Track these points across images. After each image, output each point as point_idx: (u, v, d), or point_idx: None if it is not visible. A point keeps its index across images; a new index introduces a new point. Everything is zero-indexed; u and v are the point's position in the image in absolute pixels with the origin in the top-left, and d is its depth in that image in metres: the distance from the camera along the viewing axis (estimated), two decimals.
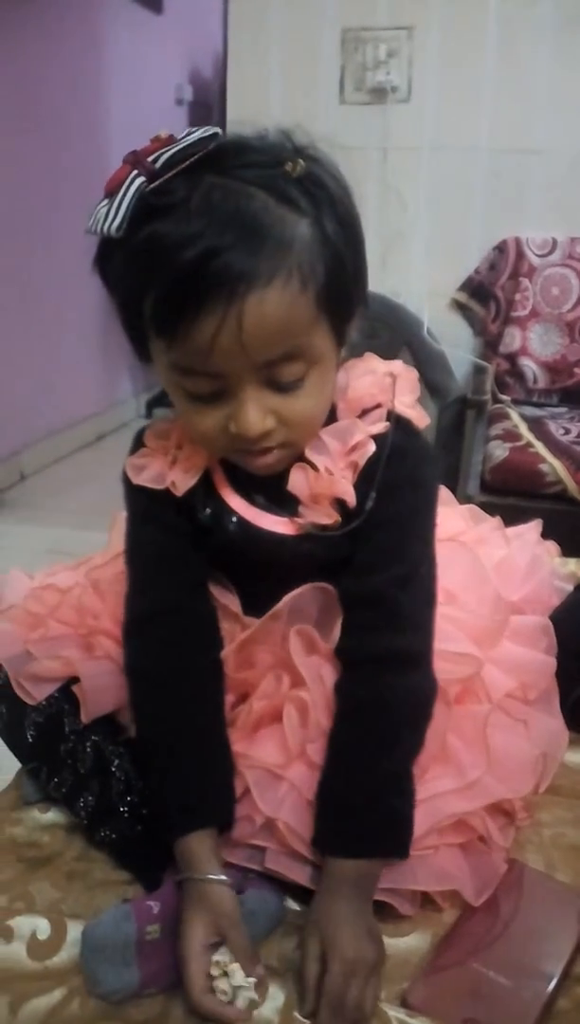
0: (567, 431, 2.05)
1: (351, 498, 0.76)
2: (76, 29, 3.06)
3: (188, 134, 0.66)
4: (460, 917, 0.74)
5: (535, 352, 2.33)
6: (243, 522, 0.78)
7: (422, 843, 0.72)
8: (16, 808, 0.86)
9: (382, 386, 0.79)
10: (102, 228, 0.65)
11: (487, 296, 2.38)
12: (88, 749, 0.80)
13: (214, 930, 0.66)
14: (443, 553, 0.81)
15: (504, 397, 2.30)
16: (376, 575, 0.76)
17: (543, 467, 1.88)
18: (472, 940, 0.71)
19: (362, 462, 0.76)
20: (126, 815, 0.77)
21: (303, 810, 0.72)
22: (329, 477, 0.75)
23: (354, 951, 0.65)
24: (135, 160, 0.65)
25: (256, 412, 0.68)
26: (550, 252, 2.33)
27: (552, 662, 0.88)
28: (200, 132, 0.66)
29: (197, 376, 0.68)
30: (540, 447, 1.93)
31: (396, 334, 2.20)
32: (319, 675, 0.78)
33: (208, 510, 0.79)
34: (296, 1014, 0.65)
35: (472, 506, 1.05)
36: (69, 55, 3.02)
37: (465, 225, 2.41)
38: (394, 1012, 0.65)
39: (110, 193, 0.65)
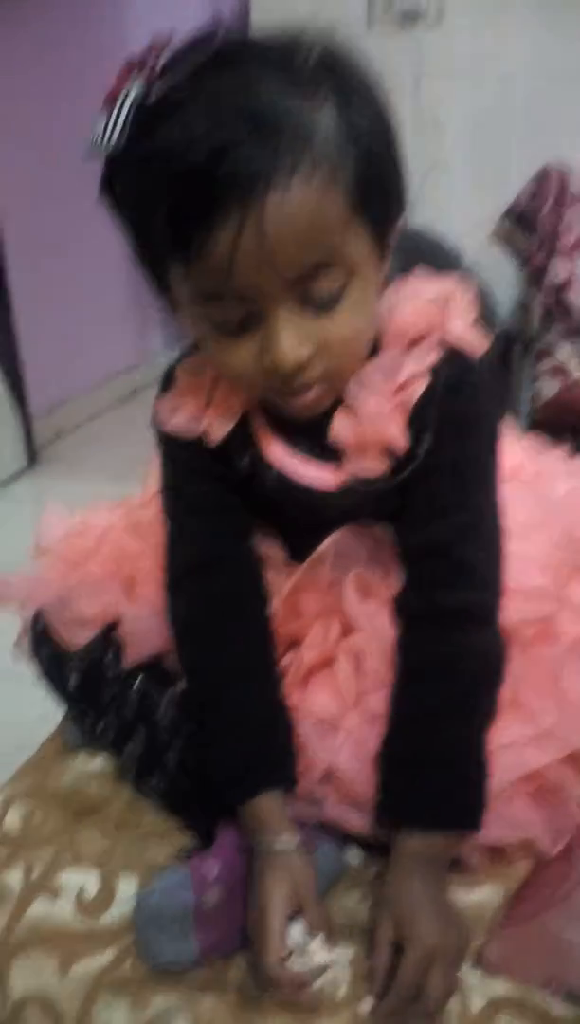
0: None
1: (400, 443, 0.68)
2: None
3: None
4: (534, 869, 0.69)
5: None
6: (283, 472, 0.71)
7: (493, 794, 0.66)
8: (61, 755, 0.83)
9: (433, 311, 0.70)
10: (102, 144, 0.58)
11: (530, 227, 2.26)
12: (132, 695, 0.76)
13: (293, 902, 0.62)
14: (503, 493, 0.73)
15: (550, 333, 2.19)
16: (436, 525, 0.69)
17: None
18: (548, 894, 0.67)
19: (413, 401, 0.67)
20: (174, 762, 0.73)
21: (361, 759, 0.68)
22: (376, 421, 0.67)
23: (435, 937, 0.60)
24: (131, 66, 0.58)
25: (290, 339, 0.60)
26: None
27: None
28: (201, 29, 0.59)
29: (222, 302, 0.60)
30: None
31: (435, 268, 2.11)
32: (375, 623, 0.72)
33: (246, 458, 0.72)
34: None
35: (534, 439, 0.98)
36: (91, 21, 2.92)
37: (506, 153, 2.30)
38: (468, 975, 0.61)
39: (108, 104, 0.58)
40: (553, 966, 0.62)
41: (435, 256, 2.33)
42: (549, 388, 1.85)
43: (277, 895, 0.61)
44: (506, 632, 0.70)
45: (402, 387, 0.68)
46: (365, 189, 0.59)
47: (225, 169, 0.54)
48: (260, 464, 0.72)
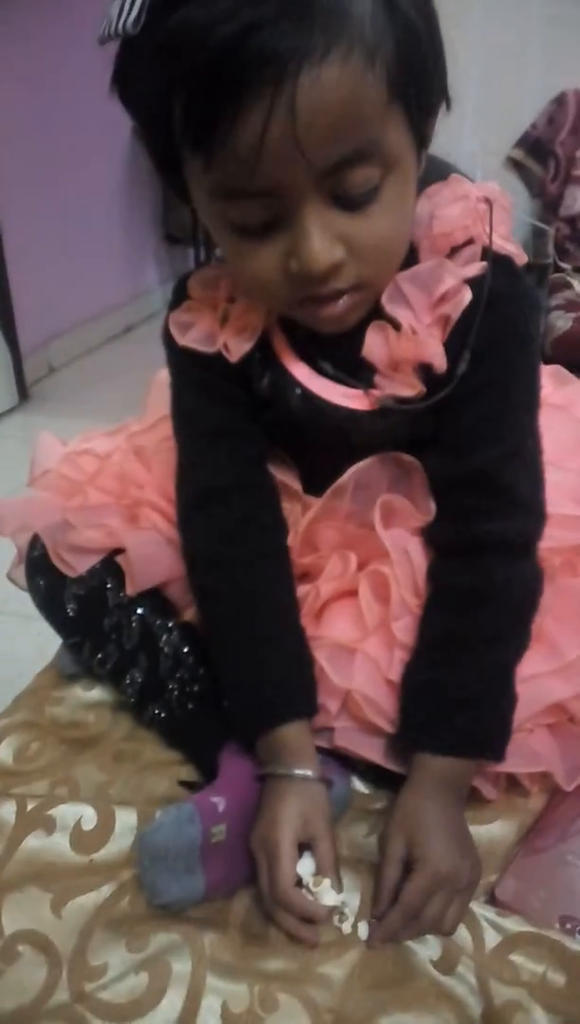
0: None
1: (441, 362, 0.62)
2: None
3: None
4: (548, 803, 0.67)
5: None
6: (308, 394, 0.66)
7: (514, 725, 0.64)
8: (57, 686, 0.80)
9: (476, 215, 0.63)
10: (116, 26, 0.52)
11: (546, 153, 2.18)
12: (134, 624, 0.73)
13: (305, 832, 0.59)
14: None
15: (565, 265, 2.12)
16: (478, 451, 0.64)
17: None
18: (563, 829, 0.65)
19: (455, 315, 0.62)
20: (176, 692, 0.71)
21: (379, 683, 0.65)
22: (413, 337, 0.62)
23: (447, 864, 0.58)
24: None
25: (322, 239, 0.54)
26: None
27: None
28: None
29: (245, 199, 0.54)
30: None
31: None
32: (405, 548, 0.68)
33: (266, 380, 0.67)
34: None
35: (557, 367, 0.93)
36: None
37: (520, 76, 2.18)
38: (482, 911, 0.59)
39: None
40: (567, 903, 0.60)
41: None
42: (563, 322, 1.78)
43: (292, 819, 0.59)
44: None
45: (442, 299, 0.62)
46: (405, 73, 0.52)
47: (253, 47, 0.47)
48: (283, 384, 0.66)
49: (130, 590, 0.73)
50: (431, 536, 0.68)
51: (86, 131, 2.58)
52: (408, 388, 0.63)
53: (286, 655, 0.66)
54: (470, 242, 0.63)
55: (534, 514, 0.66)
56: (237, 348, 0.65)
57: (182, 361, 0.69)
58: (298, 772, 0.61)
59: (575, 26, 2.14)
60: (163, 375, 0.95)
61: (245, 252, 0.57)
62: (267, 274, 0.57)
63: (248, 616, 0.68)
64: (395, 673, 0.65)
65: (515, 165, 2.24)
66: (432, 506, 0.68)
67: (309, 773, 0.61)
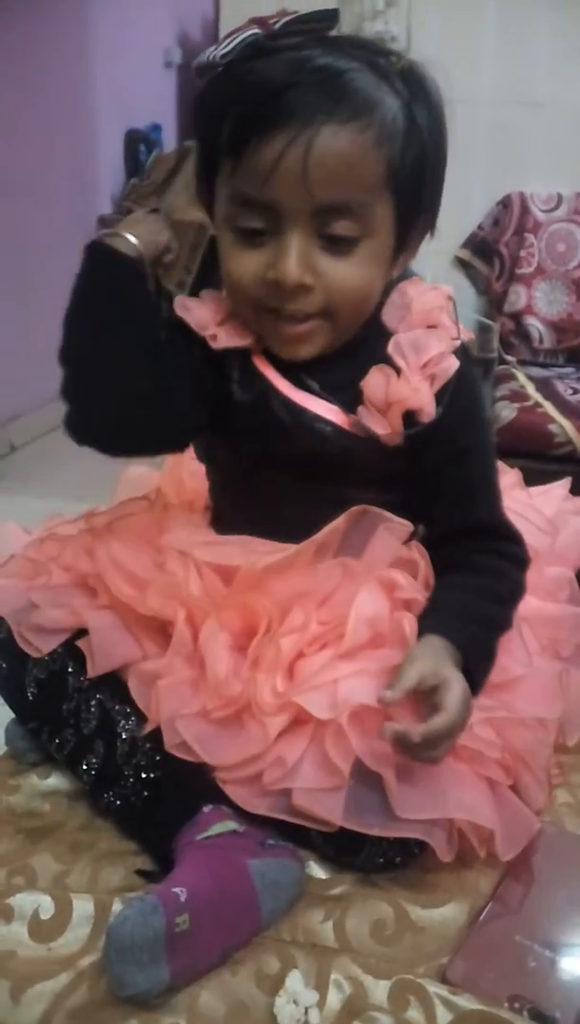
0: (575, 391, 1.99)
1: (431, 412, 0.72)
2: None
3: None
4: (498, 886, 0.69)
5: (541, 311, 2.26)
6: (290, 403, 0.73)
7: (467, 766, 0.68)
8: (13, 774, 0.80)
9: (445, 304, 0.76)
10: (209, 56, 0.67)
11: (491, 253, 2.30)
12: (93, 708, 0.74)
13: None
14: None
15: (510, 358, 2.23)
16: (477, 504, 0.77)
17: (552, 427, 1.83)
18: (513, 910, 0.67)
19: (443, 378, 0.72)
20: (132, 779, 0.71)
21: (322, 761, 0.66)
22: (410, 385, 0.71)
23: (460, 714, 0.63)
24: (255, 20, 0.67)
25: (298, 258, 0.66)
26: (555, 207, 2.26)
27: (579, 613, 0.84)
28: (320, 11, 0.68)
29: (252, 209, 0.67)
30: (549, 407, 1.87)
31: None
32: (358, 604, 0.72)
33: (250, 391, 0.74)
34: None
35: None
36: (56, 20, 2.91)
37: (468, 180, 2.33)
38: (435, 989, 0.60)
39: (224, 39, 0.67)
40: (516, 983, 0.61)
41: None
42: (508, 412, 1.87)
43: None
44: None
45: (430, 362, 0.72)
46: (403, 173, 0.67)
47: (297, 95, 0.63)
48: (267, 393, 0.74)
49: (91, 672, 0.74)
50: (435, 562, 0.77)
51: (52, 220, 2.67)
52: (387, 427, 0.72)
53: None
54: (439, 326, 0.74)
55: (522, 544, 0.78)
56: (224, 340, 0.74)
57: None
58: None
59: (518, 133, 2.29)
60: (133, 471, 0.99)
61: (237, 254, 0.69)
62: (248, 277, 0.69)
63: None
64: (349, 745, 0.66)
65: (462, 264, 2.37)
66: (390, 557, 0.75)
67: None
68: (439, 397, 0.72)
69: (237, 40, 0.66)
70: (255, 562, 0.73)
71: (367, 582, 0.73)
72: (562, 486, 1.00)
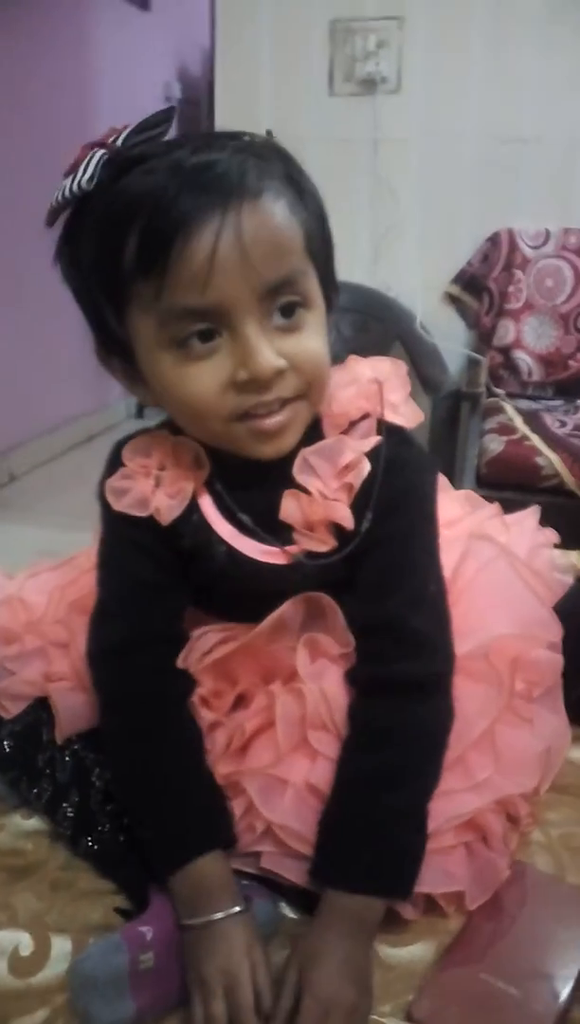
0: (563, 424, 2.02)
1: (349, 522, 0.71)
2: (63, 27, 3.01)
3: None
4: (465, 924, 0.70)
5: (529, 345, 2.29)
6: (232, 551, 0.73)
7: (430, 842, 0.68)
8: None
9: (368, 394, 0.74)
10: (70, 190, 0.62)
11: (480, 289, 2.34)
12: (67, 758, 0.77)
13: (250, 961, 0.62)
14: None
15: (498, 391, 2.26)
16: (384, 600, 0.71)
17: (539, 460, 1.85)
18: (479, 949, 0.68)
19: (358, 483, 0.70)
20: (107, 825, 0.74)
21: (304, 809, 0.69)
22: (323, 502, 0.70)
23: (329, 991, 0.59)
24: (91, 145, 0.63)
25: (268, 347, 0.62)
26: (543, 243, 2.29)
27: (558, 659, 0.84)
28: (155, 113, 0.64)
29: (192, 319, 0.62)
30: (536, 440, 1.89)
31: (388, 328, 2.17)
32: (320, 673, 0.74)
33: (194, 538, 0.73)
34: None
35: (469, 492, 1.01)
36: (56, 53, 2.98)
37: (457, 217, 2.37)
38: None
39: (69, 171, 0.63)
40: (480, 1021, 0.62)
41: (389, 315, 2.41)
42: (496, 444, 1.89)
43: (243, 949, 0.61)
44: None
45: (345, 469, 0.71)
46: (314, 242, 0.65)
47: (199, 189, 0.59)
48: (209, 541, 0.73)
49: (58, 738, 0.77)
50: (350, 677, 0.73)
51: (52, 249, 2.72)
52: (321, 544, 0.71)
53: (197, 793, 0.70)
54: (366, 416, 0.73)
55: (440, 654, 0.72)
56: (168, 512, 0.72)
57: (114, 520, 0.74)
58: (224, 914, 0.63)
59: (506, 171, 2.32)
60: None
61: (189, 376, 0.64)
62: (212, 391, 0.64)
63: (157, 757, 0.71)
64: (316, 777, 0.69)
65: (452, 300, 2.40)
66: (350, 637, 0.74)
67: (237, 909, 0.63)
68: (363, 501, 0.70)
69: (92, 164, 0.62)
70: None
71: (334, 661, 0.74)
72: (532, 515, 1.01)
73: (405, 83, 2.33)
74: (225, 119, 2.42)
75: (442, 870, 0.69)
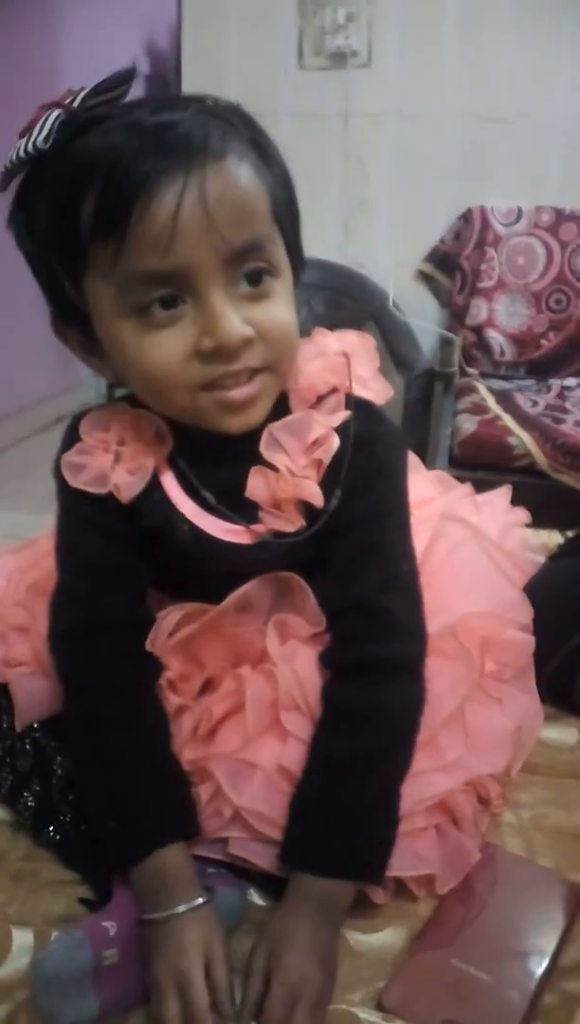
0: (535, 403, 2.02)
1: (318, 500, 0.68)
2: (28, 3, 2.94)
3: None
4: (436, 910, 0.69)
5: (501, 324, 2.29)
6: (195, 530, 0.70)
7: (400, 825, 0.67)
8: None
9: (336, 367, 0.71)
10: (25, 150, 0.59)
11: (453, 267, 2.33)
12: (28, 746, 0.75)
13: (204, 958, 0.59)
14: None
15: (471, 370, 2.26)
16: (357, 580, 0.70)
17: (511, 440, 1.85)
18: (450, 934, 0.67)
19: (327, 459, 0.68)
20: (69, 815, 0.72)
21: (273, 793, 0.67)
22: (292, 479, 0.67)
23: (298, 975, 0.58)
24: (47, 105, 0.60)
25: (234, 314, 0.60)
26: (515, 221, 2.28)
27: (529, 640, 0.83)
28: (118, 72, 0.61)
29: (153, 284, 0.59)
30: (508, 420, 1.90)
31: (361, 306, 2.15)
32: (292, 654, 0.73)
33: (155, 517, 0.70)
34: None
35: (441, 472, 1.01)
36: (22, 29, 2.91)
37: (430, 194, 2.35)
38: (367, 1016, 0.61)
39: (24, 132, 0.60)
40: (451, 1007, 0.62)
41: (361, 294, 2.39)
42: (469, 424, 1.89)
43: (197, 945, 0.59)
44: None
45: (314, 444, 0.68)
46: (280, 208, 0.63)
47: (159, 150, 0.56)
48: (172, 520, 0.71)
49: (17, 725, 0.75)
50: (324, 659, 0.72)
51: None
52: (289, 524, 0.68)
53: (159, 782, 0.68)
54: (334, 391, 0.70)
55: (413, 635, 0.71)
56: (128, 489, 0.69)
57: (71, 498, 0.71)
58: (185, 907, 0.61)
59: (479, 149, 2.31)
60: None
61: (151, 344, 0.61)
62: (176, 360, 0.61)
63: (119, 745, 0.69)
64: (288, 760, 0.68)
65: (425, 278, 2.39)
66: (320, 616, 0.73)
67: (198, 901, 0.62)
68: (332, 478, 0.68)
69: (48, 124, 0.59)
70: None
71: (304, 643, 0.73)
72: (503, 494, 1.00)
73: (376, 57, 2.30)
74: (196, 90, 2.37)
75: (412, 852, 0.68)
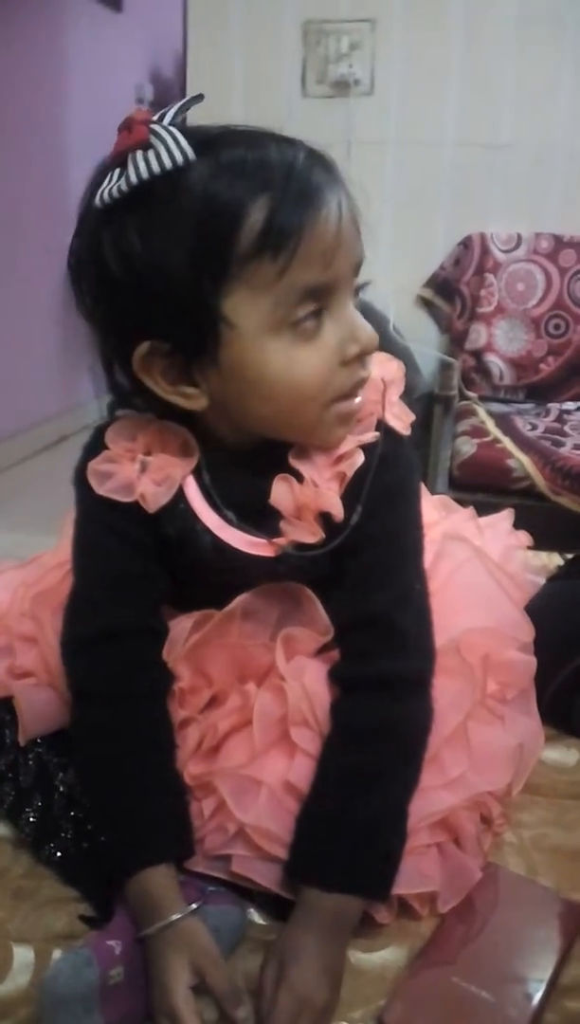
0: (534, 427, 2.03)
1: (339, 511, 0.69)
2: (36, 29, 2.98)
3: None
4: (438, 928, 0.69)
5: (501, 348, 2.31)
6: (218, 542, 0.71)
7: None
8: None
9: (373, 394, 0.73)
10: (160, 163, 0.57)
11: (452, 292, 2.35)
12: (30, 762, 0.75)
13: (193, 970, 0.60)
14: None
15: (471, 394, 2.27)
16: (370, 597, 0.71)
17: (511, 463, 1.86)
18: (451, 952, 0.67)
19: (350, 473, 0.69)
20: (71, 832, 0.72)
21: (279, 810, 0.68)
22: (315, 489, 0.69)
23: (305, 988, 0.59)
24: (138, 122, 0.59)
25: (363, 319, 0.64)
26: (515, 247, 2.31)
27: (531, 661, 0.84)
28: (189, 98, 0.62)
29: (309, 298, 0.60)
30: (508, 443, 1.91)
31: None
32: (300, 670, 0.73)
33: (179, 527, 0.71)
34: None
35: (444, 497, 1.02)
36: (28, 54, 2.95)
37: (430, 221, 2.38)
38: None
39: (119, 156, 0.59)
40: None
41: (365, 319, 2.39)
42: (468, 447, 1.90)
43: (178, 967, 0.59)
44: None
45: (339, 459, 0.70)
46: None
47: (317, 153, 0.61)
48: (195, 531, 0.71)
49: (21, 739, 0.75)
50: (334, 675, 0.72)
51: (25, 254, 2.66)
52: (310, 535, 0.69)
53: (158, 799, 0.68)
54: (368, 416, 0.72)
55: (423, 653, 0.71)
56: (155, 499, 0.69)
57: (95, 505, 0.71)
58: (170, 920, 0.61)
59: (479, 175, 2.34)
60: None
61: (303, 357, 0.63)
62: (324, 369, 0.63)
63: (122, 757, 0.69)
64: (295, 776, 0.68)
65: (425, 303, 2.41)
66: (328, 626, 0.73)
67: (174, 917, 0.61)
68: (354, 494, 0.69)
69: (170, 140, 0.58)
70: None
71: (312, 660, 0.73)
72: (506, 518, 1.02)
73: (378, 86, 2.34)
74: (197, 120, 2.40)
75: (415, 870, 0.68)
